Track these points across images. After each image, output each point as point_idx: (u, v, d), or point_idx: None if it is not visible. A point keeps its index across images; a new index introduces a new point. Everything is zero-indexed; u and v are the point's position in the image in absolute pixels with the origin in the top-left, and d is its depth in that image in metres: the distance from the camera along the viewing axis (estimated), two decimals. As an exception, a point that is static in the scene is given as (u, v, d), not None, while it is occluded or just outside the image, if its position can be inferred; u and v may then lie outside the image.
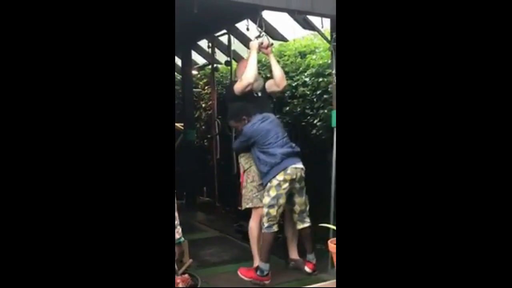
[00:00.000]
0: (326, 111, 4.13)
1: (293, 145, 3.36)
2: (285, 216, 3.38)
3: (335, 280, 1.81)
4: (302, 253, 3.51)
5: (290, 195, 3.27)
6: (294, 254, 3.54)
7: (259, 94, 3.60)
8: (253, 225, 3.41)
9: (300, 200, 3.32)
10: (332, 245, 1.89)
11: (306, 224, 3.35)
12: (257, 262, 3.33)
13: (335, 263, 1.89)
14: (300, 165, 3.26)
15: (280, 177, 3.17)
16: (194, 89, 6.62)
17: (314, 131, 4.36)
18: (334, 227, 2.05)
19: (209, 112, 6.25)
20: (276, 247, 3.66)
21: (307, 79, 4.59)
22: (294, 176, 3.21)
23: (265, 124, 3.30)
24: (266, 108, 3.59)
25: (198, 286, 3.22)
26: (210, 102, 6.15)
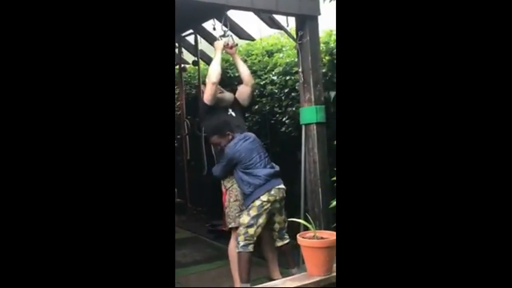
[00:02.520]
0: (294, 109, 4.18)
1: (274, 165, 3.29)
2: (262, 237, 3.24)
3: (304, 273, 1.86)
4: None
5: (270, 215, 3.18)
6: (276, 275, 3.36)
7: (233, 114, 3.54)
8: (233, 245, 3.24)
9: (280, 219, 3.23)
10: (300, 239, 1.92)
11: (286, 241, 3.25)
12: (237, 283, 3.19)
13: (304, 257, 1.92)
14: (282, 186, 3.20)
15: (264, 197, 3.08)
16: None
17: (283, 128, 4.41)
18: (305, 223, 2.08)
19: (178, 113, 6.21)
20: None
21: (274, 78, 4.64)
22: (277, 197, 3.14)
23: (247, 143, 3.21)
24: (242, 126, 3.54)
25: (171, 287, 3.21)
26: (179, 103, 6.11)
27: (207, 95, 3.37)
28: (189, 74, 6.36)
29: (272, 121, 4.60)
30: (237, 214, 3.24)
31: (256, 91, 4.73)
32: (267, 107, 4.69)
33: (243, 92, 3.60)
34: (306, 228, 2.24)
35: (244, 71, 3.58)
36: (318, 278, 1.80)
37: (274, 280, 3.25)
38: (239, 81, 3.72)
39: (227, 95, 3.53)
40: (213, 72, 3.31)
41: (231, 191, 3.32)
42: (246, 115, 4.76)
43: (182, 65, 5.93)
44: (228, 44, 3.45)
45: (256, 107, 4.81)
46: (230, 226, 3.31)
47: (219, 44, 3.43)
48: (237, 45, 3.65)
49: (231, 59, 5.31)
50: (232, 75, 4.98)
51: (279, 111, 4.54)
